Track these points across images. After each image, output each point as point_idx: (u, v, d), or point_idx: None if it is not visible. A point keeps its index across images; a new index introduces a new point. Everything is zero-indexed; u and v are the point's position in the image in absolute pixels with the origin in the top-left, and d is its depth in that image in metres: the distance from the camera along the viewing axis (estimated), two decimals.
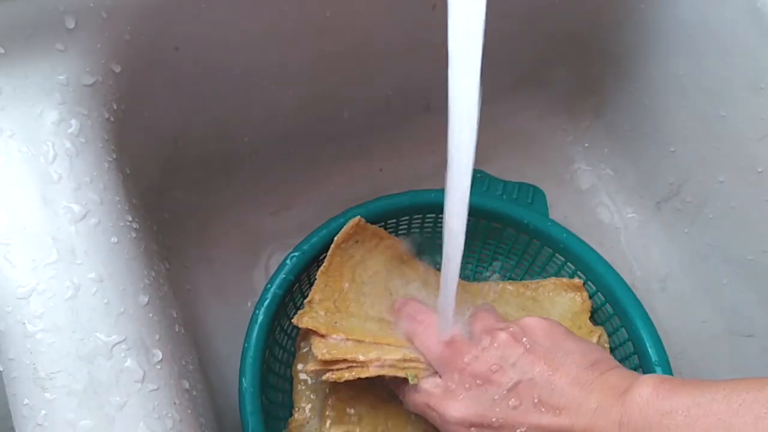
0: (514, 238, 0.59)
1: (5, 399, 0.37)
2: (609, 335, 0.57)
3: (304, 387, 0.55)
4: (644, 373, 0.52)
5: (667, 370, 0.51)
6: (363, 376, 0.47)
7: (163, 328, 0.40)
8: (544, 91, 0.65)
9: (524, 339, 0.44)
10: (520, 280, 0.61)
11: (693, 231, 0.59)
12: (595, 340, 0.55)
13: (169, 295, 0.46)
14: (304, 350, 0.56)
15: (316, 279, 0.52)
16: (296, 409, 0.54)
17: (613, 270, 0.55)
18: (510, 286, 0.59)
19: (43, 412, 0.35)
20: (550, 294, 0.58)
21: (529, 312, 0.57)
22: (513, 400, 0.42)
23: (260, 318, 0.51)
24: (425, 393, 0.46)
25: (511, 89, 0.66)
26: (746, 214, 0.54)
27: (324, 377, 0.48)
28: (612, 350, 0.56)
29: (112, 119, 0.43)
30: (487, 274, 0.62)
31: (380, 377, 0.48)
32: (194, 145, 0.55)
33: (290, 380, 0.55)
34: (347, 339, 0.49)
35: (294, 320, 0.51)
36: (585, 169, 0.67)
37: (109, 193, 0.41)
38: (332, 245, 0.53)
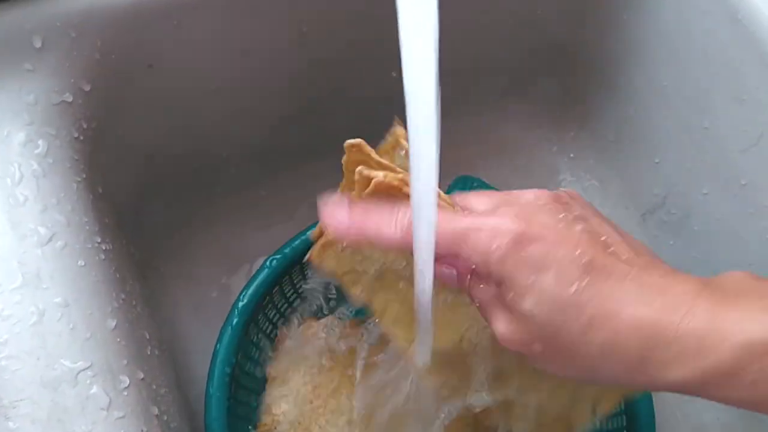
0: None
1: None
2: None
3: (278, 389, 0.54)
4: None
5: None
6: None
7: (132, 353, 0.39)
8: (529, 101, 0.64)
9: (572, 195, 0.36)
10: None
11: (678, 243, 0.59)
12: None
13: (142, 316, 0.45)
14: (281, 349, 0.55)
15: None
16: (266, 413, 0.53)
17: None
18: None
19: None
20: None
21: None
22: (581, 224, 0.33)
23: (235, 320, 0.49)
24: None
25: (496, 100, 0.66)
26: (731, 227, 0.53)
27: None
28: None
29: (81, 138, 0.43)
30: None
31: None
32: (170, 162, 0.54)
33: (264, 382, 0.54)
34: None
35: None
36: (570, 180, 0.67)
37: (76, 215, 0.40)
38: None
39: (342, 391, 0.55)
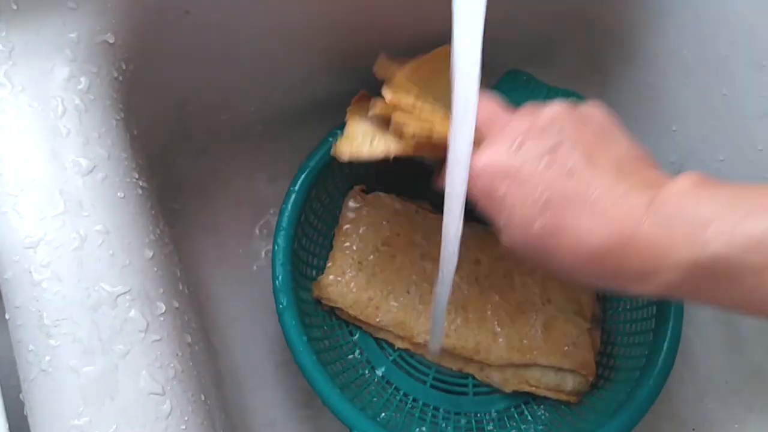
0: None
1: (10, 349, 0.37)
2: None
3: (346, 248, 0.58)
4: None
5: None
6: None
7: (167, 283, 0.40)
8: (548, 69, 0.65)
9: (578, 113, 0.41)
10: None
11: None
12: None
13: (173, 255, 0.46)
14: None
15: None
16: (330, 265, 0.58)
17: None
18: None
19: (48, 358, 0.36)
20: None
21: None
22: (547, 158, 0.38)
23: (298, 185, 0.54)
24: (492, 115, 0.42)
25: (515, 68, 0.67)
26: None
27: (394, 116, 0.45)
28: None
29: (120, 79, 0.44)
30: None
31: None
32: (201, 112, 0.55)
33: (324, 247, 0.59)
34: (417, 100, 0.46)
35: (384, 92, 0.47)
36: None
37: (116, 150, 0.41)
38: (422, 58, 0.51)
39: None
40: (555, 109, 0.40)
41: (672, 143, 0.60)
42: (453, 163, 0.40)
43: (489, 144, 0.40)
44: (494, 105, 0.42)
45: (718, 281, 0.33)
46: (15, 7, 0.40)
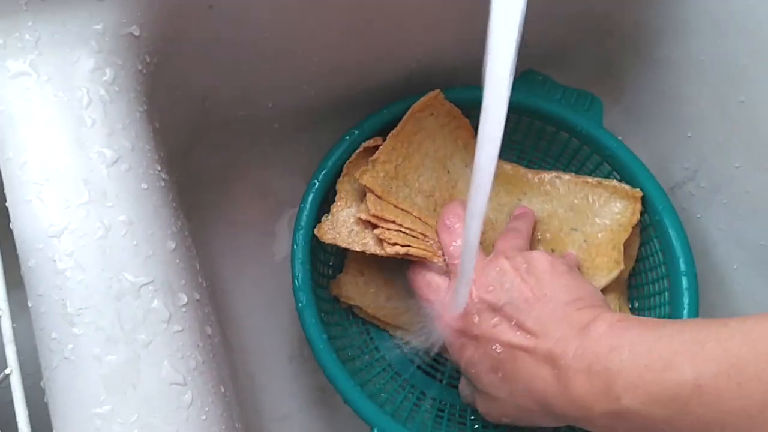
0: (566, 143, 0.62)
1: (31, 336, 0.37)
2: (641, 245, 0.60)
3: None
4: (670, 284, 0.56)
5: (693, 282, 0.55)
6: (405, 252, 0.51)
7: (189, 275, 0.41)
8: (564, 74, 0.65)
9: (524, 268, 0.48)
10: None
11: (706, 216, 0.60)
12: (615, 273, 0.58)
13: (192, 248, 0.46)
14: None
15: (386, 139, 0.55)
16: (348, 263, 0.59)
17: (656, 182, 0.58)
18: (565, 176, 0.61)
19: (71, 346, 0.36)
20: (603, 200, 0.59)
21: (576, 213, 0.60)
22: (496, 318, 0.46)
23: (317, 185, 0.55)
24: (433, 284, 0.51)
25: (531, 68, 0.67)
26: (760, 200, 0.55)
27: (375, 231, 0.52)
28: (642, 259, 0.60)
29: (144, 71, 0.44)
30: None
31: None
32: (221, 107, 0.55)
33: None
34: (396, 206, 0.53)
35: (357, 175, 0.54)
36: None
37: (140, 142, 0.41)
38: (408, 112, 0.56)
39: None
40: (504, 267, 0.48)
41: (687, 149, 0.60)
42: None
43: (449, 299, 0.49)
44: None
45: (638, 429, 0.39)
46: None
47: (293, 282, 0.52)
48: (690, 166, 0.61)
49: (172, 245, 0.40)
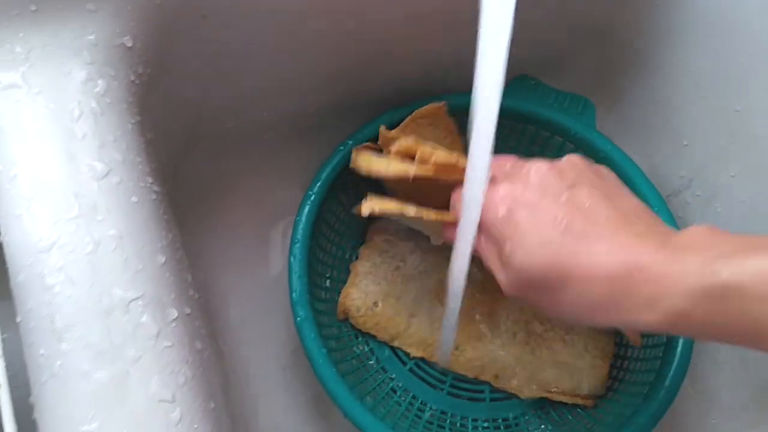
0: (559, 147, 0.62)
1: (20, 351, 0.37)
2: None
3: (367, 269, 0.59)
4: None
5: None
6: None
7: (179, 289, 0.40)
8: (559, 81, 0.65)
9: (596, 167, 0.43)
10: None
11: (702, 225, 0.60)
12: None
13: (184, 260, 0.46)
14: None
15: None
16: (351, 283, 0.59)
17: (651, 183, 0.58)
18: None
19: (59, 362, 0.35)
20: None
21: None
22: (567, 193, 0.39)
23: (312, 197, 0.55)
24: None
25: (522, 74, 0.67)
26: (755, 209, 0.54)
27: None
28: None
29: (137, 82, 0.44)
30: None
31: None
32: (214, 117, 0.55)
33: (339, 257, 0.60)
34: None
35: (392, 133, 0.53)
36: None
37: (131, 154, 0.41)
38: (409, 116, 0.55)
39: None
40: (573, 158, 0.42)
41: (683, 158, 0.60)
42: (468, 195, 0.41)
43: (509, 181, 0.41)
44: (512, 156, 0.45)
45: (728, 309, 0.33)
46: (34, 9, 0.40)
47: (291, 296, 0.52)
48: (685, 174, 0.60)
49: (163, 259, 0.40)
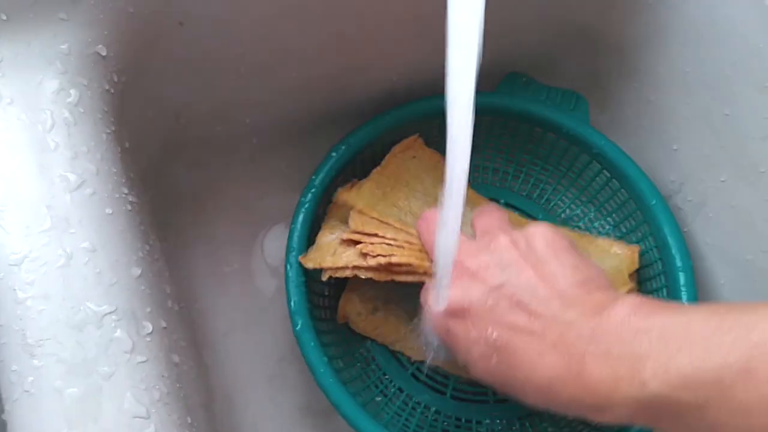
0: (553, 143, 0.61)
1: None
2: (637, 242, 0.59)
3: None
4: (668, 280, 0.55)
5: (690, 276, 0.54)
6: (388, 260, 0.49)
7: (155, 302, 0.40)
8: (551, 83, 0.64)
9: (522, 244, 0.43)
10: (554, 188, 0.64)
11: (692, 230, 0.59)
12: (624, 290, 0.56)
13: (163, 271, 0.45)
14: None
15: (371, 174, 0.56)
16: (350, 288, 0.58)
17: (647, 178, 0.57)
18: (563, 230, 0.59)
19: (31, 378, 0.35)
20: (600, 253, 0.58)
21: None
22: (492, 298, 0.41)
23: (306, 204, 0.54)
24: (429, 287, 0.47)
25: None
26: (746, 214, 0.54)
27: (358, 246, 0.50)
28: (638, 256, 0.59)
29: (112, 91, 0.43)
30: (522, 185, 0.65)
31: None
32: (195, 124, 0.55)
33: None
34: (378, 220, 0.52)
35: (339, 192, 0.54)
36: None
37: (105, 164, 0.40)
38: (389, 153, 0.56)
39: None
40: (500, 244, 0.44)
41: (673, 162, 0.60)
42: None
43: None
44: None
45: (662, 417, 0.35)
46: (5, 18, 0.39)
47: (289, 305, 0.51)
48: (676, 179, 0.60)
49: (138, 271, 0.39)
